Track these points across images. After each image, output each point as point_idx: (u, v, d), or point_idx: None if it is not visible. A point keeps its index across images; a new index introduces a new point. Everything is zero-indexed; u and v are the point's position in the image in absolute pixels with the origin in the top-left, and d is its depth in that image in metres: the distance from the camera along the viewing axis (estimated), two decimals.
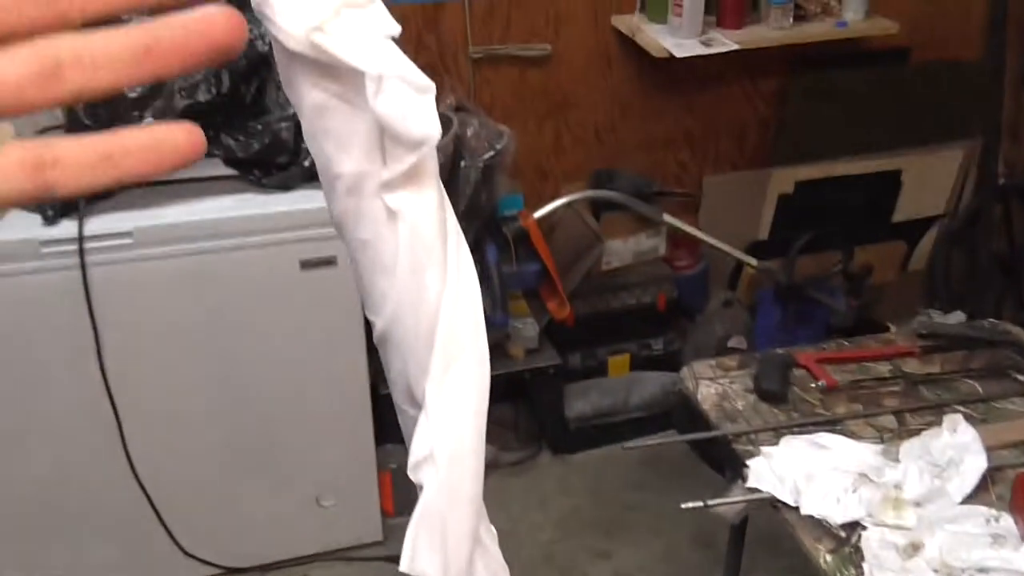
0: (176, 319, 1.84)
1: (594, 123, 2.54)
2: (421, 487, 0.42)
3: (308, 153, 1.82)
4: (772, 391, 1.49)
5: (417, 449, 0.42)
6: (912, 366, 1.58)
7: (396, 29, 0.37)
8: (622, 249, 2.49)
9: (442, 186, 0.42)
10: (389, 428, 2.27)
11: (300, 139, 1.84)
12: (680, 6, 2.19)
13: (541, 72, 2.41)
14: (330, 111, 0.39)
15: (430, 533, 0.42)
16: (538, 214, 2.31)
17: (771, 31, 2.29)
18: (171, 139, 0.27)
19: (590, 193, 2.42)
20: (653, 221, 2.47)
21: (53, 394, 1.81)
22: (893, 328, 2.71)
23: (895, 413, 1.46)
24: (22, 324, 1.75)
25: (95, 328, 1.76)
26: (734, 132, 2.69)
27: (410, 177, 0.39)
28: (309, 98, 0.38)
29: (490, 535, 0.46)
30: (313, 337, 1.94)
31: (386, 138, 0.39)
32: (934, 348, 1.62)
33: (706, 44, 2.21)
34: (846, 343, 1.66)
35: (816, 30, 2.33)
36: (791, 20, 2.29)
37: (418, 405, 0.43)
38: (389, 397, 1.86)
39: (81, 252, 1.70)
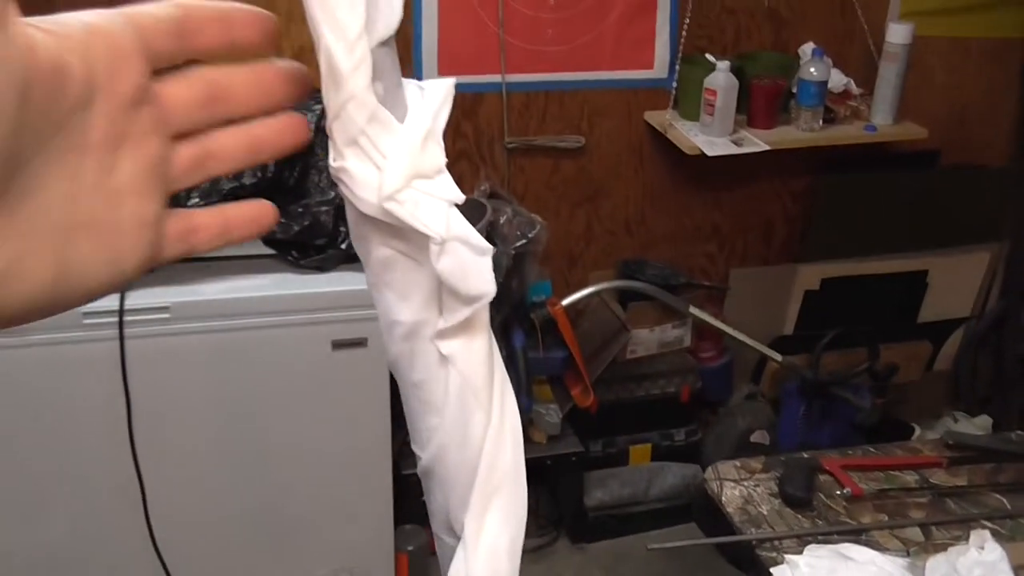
0: (207, 393, 1.86)
1: (624, 214, 2.58)
2: None
3: (345, 236, 1.88)
4: (797, 497, 1.49)
5: None
6: (939, 477, 1.58)
7: (460, 197, 0.40)
8: (648, 339, 2.50)
9: (492, 333, 0.44)
10: (408, 509, 2.26)
11: (339, 223, 1.89)
12: (712, 105, 2.24)
13: (574, 163, 2.47)
14: (394, 265, 0.42)
15: None
16: (566, 301, 2.34)
17: (801, 133, 2.34)
18: (265, 213, 0.38)
19: (618, 283, 2.45)
20: (679, 312, 2.49)
21: (81, 458, 1.83)
22: (918, 429, 2.70)
23: (921, 526, 1.45)
24: (59, 390, 1.79)
25: (128, 397, 1.79)
26: (762, 228, 2.72)
27: (463, 327, 0.42)
28: (377, 253, 0.41)
29: None
30: (340, 416, 1.95)
31: (444, 292, 0.41)
32: (961, 459, 1.61)
33: (737, 143, 2.26)
34: (872, 449, 1.66)
35: (845, 133, 2.38)
36: (821, 123, 2.34)
37: (456, 536, 0.45)
38: (409, 478, 1.88)
39: (120, 324, 1.75)
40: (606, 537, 2.47)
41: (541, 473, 2.45)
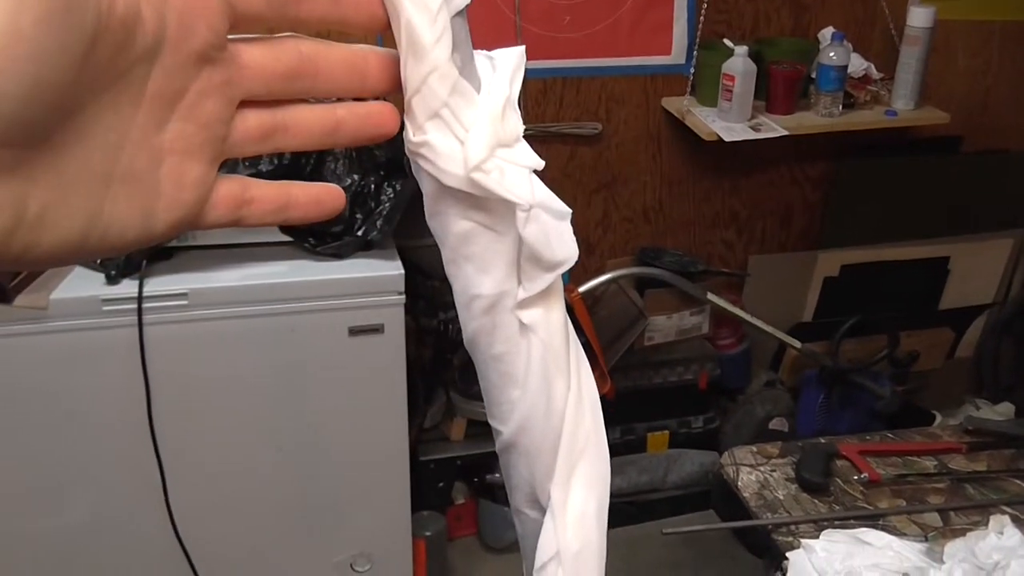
0: (225, 379, 1.88)
1: (642, 201, 2.57)
2: None
3: (361, 223, 1.88)
4: (814, 482, 1.48)
5: (543, 551, 0.44)
6: (958, 463, 1.56)
7: (540, 163, 0.40)
8: (665, 326, 2.50)
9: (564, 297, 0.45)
10: (425, 496, 2.28)
11: (355, 209, 1.90)
12: (730, 91, 2.23)
13: (591, 150, 2.46)
14: (475, 238, 0.41)
15: None
16: (583, 288, 2.34)
17: (820, 118, 2.32)
18: (333, 196, 0.36)
19: (636, 270, 2.44)
20: (697, 299, 2.48)
21: (101, 445, 1.85)
22: (939, 416, 2.68)
23: (939, 511, 1.44)
24: (78, 376, 1.80)
25: (147, 384, 1.81)
26: (781, 214, 2.70)
27: (543, 295, 0.42)
28: (456, 227, 0.41)
29: None
30: (357, 403, 1.96)
31: (523, 260, 0.42)
32: (981, 445, 1.60)
33: (755, 129, 2.24)
34: (890, 435, 1.65)
35: (865, 118, 2.35)
36: (840, 108, 2.32)
37: (541, 509, 0.45)
38: (426, 464, 1.89)
39: (139, 311, 1.76)
40: (623, 524, 2.47)
41: None
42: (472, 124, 0.37)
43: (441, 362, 2.32)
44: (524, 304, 0.42)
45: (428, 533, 2.14)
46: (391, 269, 1.87)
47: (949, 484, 1.51)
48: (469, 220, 0.41)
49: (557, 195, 0.40)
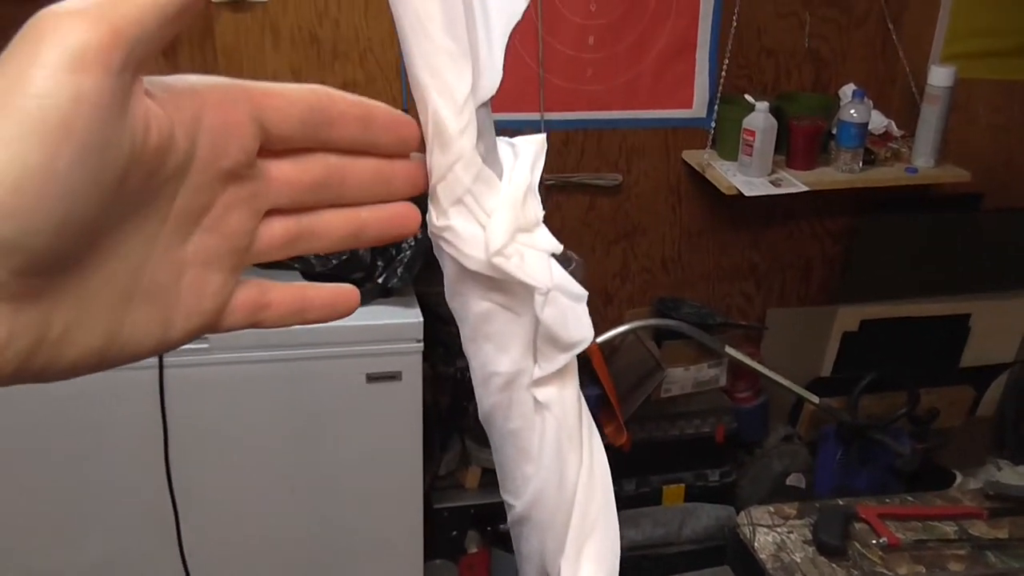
0: (242, 421, 1.89)
1: (661, 252, 2.58)
2: None
3: (382, 271, 1.89)
4: (832, 545, 1.46)
5: None
6: (979, 528, 1.54)
7: (559, 247, 0.41)
8: (682, 377, 2.49)
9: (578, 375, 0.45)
10: (438, 544, 2.26)
11: (376, 257, 1.92)
12: (751, 146, 2.24)
13: (611, 201, 2.48)
14: (494, 318, 0.42)
15: None
16: (601, 339, 2.34)
17: (840, 174, 2.32)
18: (344, 298, 0.36)
19: (653, 321, 2.44)
20: (715, 352, 2.47)
21: (117, 483, 1.86)
22: (959, 476, 2.64)
23: None
24: (97, 416, 1.82)
25: (165, 424, 1.82)
26: (800, 268, 2.70)
27: (559, 374, 0.44)
28: (476, 308, 0.42)
29: None
30: (373, 449, 1.96)
31: (540, 340, 0.43)
32: (1002, 511, 1.58)
33: (775, 184, 2.25)
34: (910, 498, 1.63)
35: (886, 175, 2.36)
36: (861, 164, 2.33)
37: None
38: (440, 512, 1.87)
39: (160, 354, 1.77)
40: None
41: None
42: (494, 210, 0.38)
43: (458, 409, 2.32)
44: (540, 382, 0.43)
45: None
46: (410, 317, 1.88)
47: (970, 551, 1.49)
48: (489, 301, 0.42)
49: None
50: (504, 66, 0.39)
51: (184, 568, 1.90)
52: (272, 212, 0.32)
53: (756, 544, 1.48)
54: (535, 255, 0.40)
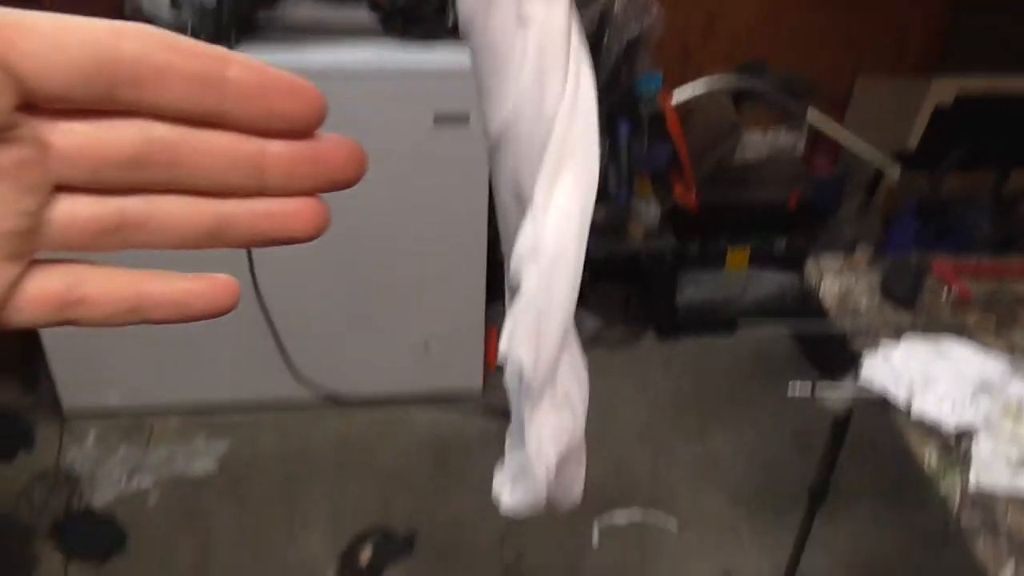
0: None
1: (749, 11, 2.42)
2: (519, 282, 0.44)
3: (453, 9, 1.81)
4: (901, 294, 1.44)
5: (522, 244, 0.44)
6: None
7: None
8: (759, 142, 2.40)
9: (574, 3, 0.42)
10: (501, 289, 2.31)
11: None
12: None
13: None
14: None
15: (526, 324, 0.44)
16: (678, 97, 2.25)
17: None
18: (203, 296, 0.28)
19: (735, 82, 2.33)
20: (795, 117, 2.37)
21: None
22: None
23: None
24: None
25: None
26: (896, 35, 2.52)
27: None
28: None
29: (576, 340, 0.48)
30: (439, 191, 1.97)
31: None
32: None
33: None
34: (986, 260, 1.59)
35: None
36: None
37: (524, 204, 0.45)
38: (502, 261, 1.89)
39: None
40: (694, 335, 2.48)
41: (635, 268, 2.44)
42: None
43: None
44: None
45: (502, 322, 2.19)
46: None
47: None
48: None
49: None
50: None
51: (256, 291, 1.98)
52: (77, 191, 0.25)
53: (822, 289, 1.46)
54: None
